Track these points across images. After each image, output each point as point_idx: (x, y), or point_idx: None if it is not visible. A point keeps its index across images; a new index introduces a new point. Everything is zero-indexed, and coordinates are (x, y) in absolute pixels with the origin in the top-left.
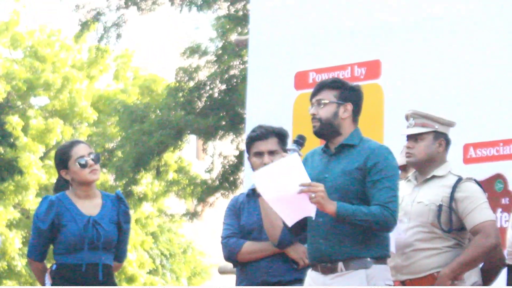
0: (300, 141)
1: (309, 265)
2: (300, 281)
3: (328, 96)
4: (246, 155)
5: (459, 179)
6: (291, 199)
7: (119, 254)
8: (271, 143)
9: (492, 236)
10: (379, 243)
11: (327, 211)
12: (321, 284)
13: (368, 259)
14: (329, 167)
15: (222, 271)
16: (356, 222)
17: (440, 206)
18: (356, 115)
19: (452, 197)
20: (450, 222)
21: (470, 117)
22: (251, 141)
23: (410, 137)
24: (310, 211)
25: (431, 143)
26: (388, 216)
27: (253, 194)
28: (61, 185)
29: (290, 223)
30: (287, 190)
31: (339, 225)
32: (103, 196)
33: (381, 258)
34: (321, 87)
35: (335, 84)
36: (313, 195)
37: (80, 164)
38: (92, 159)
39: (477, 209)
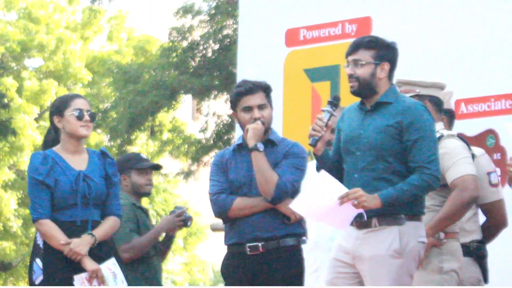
0: (334, 102)
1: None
2: (292, 235)
3: (365, 56)
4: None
5: (440, 137)
6: (335, 210)
7: (114, 208)
8: (259, 97)
9: (469, 189)
10: (413, 201)
11: (373, 208)
12: (354, 238)
13: (402, 216)
14: (364, 123)
15: (214, 228)
16: (404, 203)
17: None
18: (392, 72)
19: None
20: None
21: (461, 73)
22: (238, 96)
23: None
24: (358, 210)
25: None
26: (430, 179)
27: (238, 149)
28: (51, 138)
29: (345, 229)
30: (328, 205)
31: (374, 182)
32: (89, 152)
33: (415, 215)
34: (357, 46)
35: (372, 44)
36: (355, 202)
37: (76, 115)
38: (89, 116)
39: (455, 165)
